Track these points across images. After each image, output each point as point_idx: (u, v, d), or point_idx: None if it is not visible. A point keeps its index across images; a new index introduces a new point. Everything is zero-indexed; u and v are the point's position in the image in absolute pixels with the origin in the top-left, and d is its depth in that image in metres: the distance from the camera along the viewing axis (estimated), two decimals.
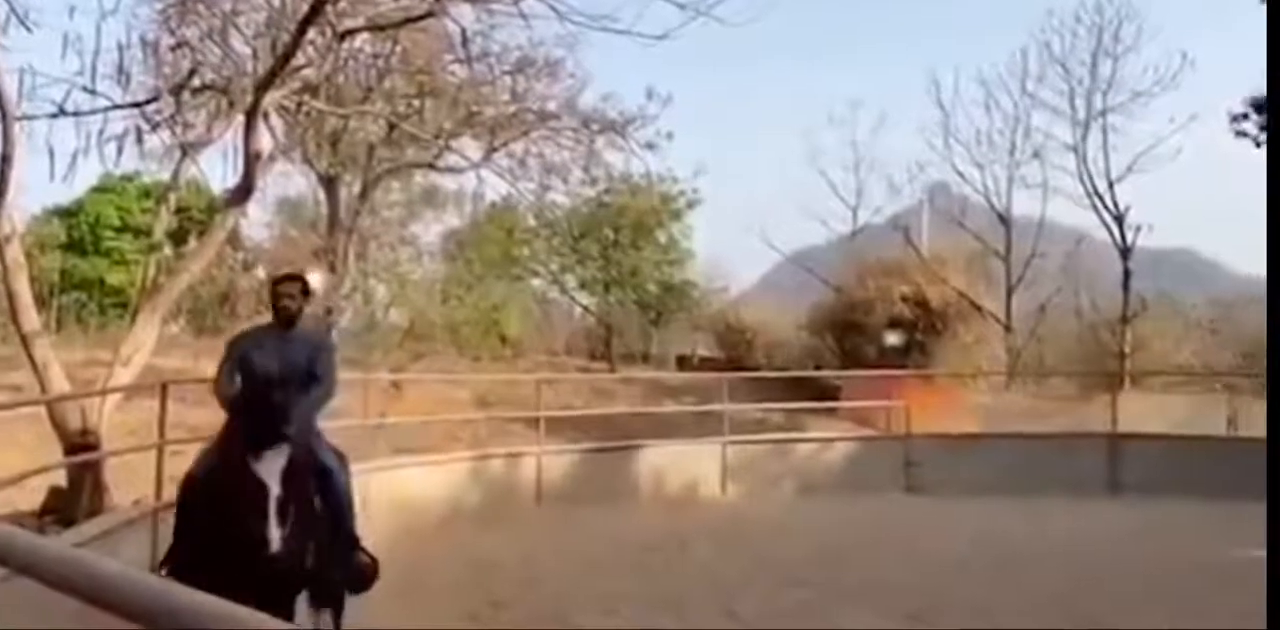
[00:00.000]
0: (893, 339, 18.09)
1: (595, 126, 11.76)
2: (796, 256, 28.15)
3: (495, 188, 18.70)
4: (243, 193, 7.92)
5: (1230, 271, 50.22)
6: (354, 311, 17.96)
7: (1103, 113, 22.29)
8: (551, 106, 11.79)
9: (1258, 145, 15.72)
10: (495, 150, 12.20)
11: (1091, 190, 22.04)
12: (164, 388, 6.87)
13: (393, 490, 8.60)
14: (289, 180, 17.66)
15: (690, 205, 22.68)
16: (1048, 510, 9.43)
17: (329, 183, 14.99)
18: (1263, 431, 12.82)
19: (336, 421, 7.01)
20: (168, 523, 6.44)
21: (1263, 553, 7.86)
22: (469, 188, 19.18)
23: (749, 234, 33.08)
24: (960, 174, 23.95)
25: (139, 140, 9.13)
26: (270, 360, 4.55)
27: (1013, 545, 8.15)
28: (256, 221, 19.23)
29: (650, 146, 12.04)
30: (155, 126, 9.40)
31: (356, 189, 15.36)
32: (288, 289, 4.65)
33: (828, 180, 26.32)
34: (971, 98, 28.37)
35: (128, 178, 22.34)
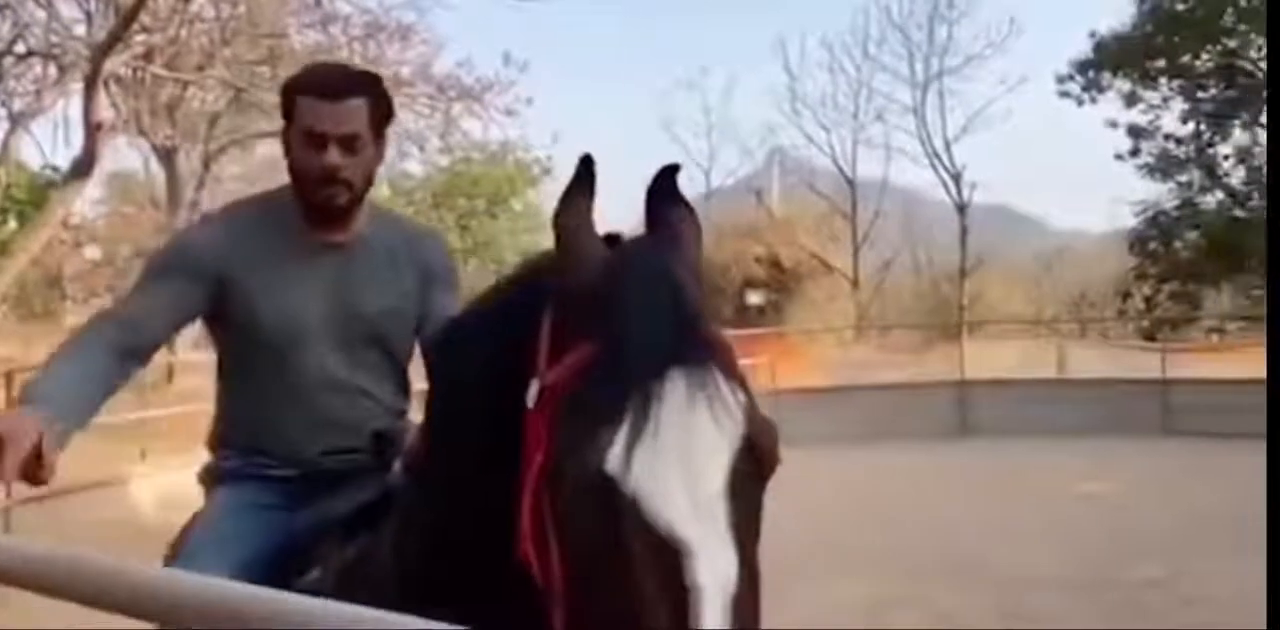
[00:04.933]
0: (754, 298, 18.63)
1: (452, 93, 11.54)
2: None
3: None
4: (84, 166, 7.42)
5: (1049, 226, 53.75)
6: None
7: (939, 75, 23.36)
8: (405, 73, 11.48)
9: (1079, 104, 16.87)
10: None
11: (930, 151, 23.13)
12: (9, 376, 6.55)
13: None
14: (119, 153, 16.57)
15: (545, 172, 22.55)
16: (907, 455, 9.99)
17: (167, 155, 14.13)
18: (1088, 373, 13.97)
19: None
20: (21, 520, 6.14)
21: (1097, 486, 8.67)
22: None
23: (601, 199, 33.19)
24: (808, 137, 24.70)
25: None
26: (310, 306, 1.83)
27: (878, 491, 8.61)
28: (85, 197, 17.97)
29: (510, 113, 11.91)
30: None
31: (196, 161, 14.56)
32: (338, 122, 1.75)
33: (680, 144, 26.66)
34: (817, 61, 29.28)
35: None
